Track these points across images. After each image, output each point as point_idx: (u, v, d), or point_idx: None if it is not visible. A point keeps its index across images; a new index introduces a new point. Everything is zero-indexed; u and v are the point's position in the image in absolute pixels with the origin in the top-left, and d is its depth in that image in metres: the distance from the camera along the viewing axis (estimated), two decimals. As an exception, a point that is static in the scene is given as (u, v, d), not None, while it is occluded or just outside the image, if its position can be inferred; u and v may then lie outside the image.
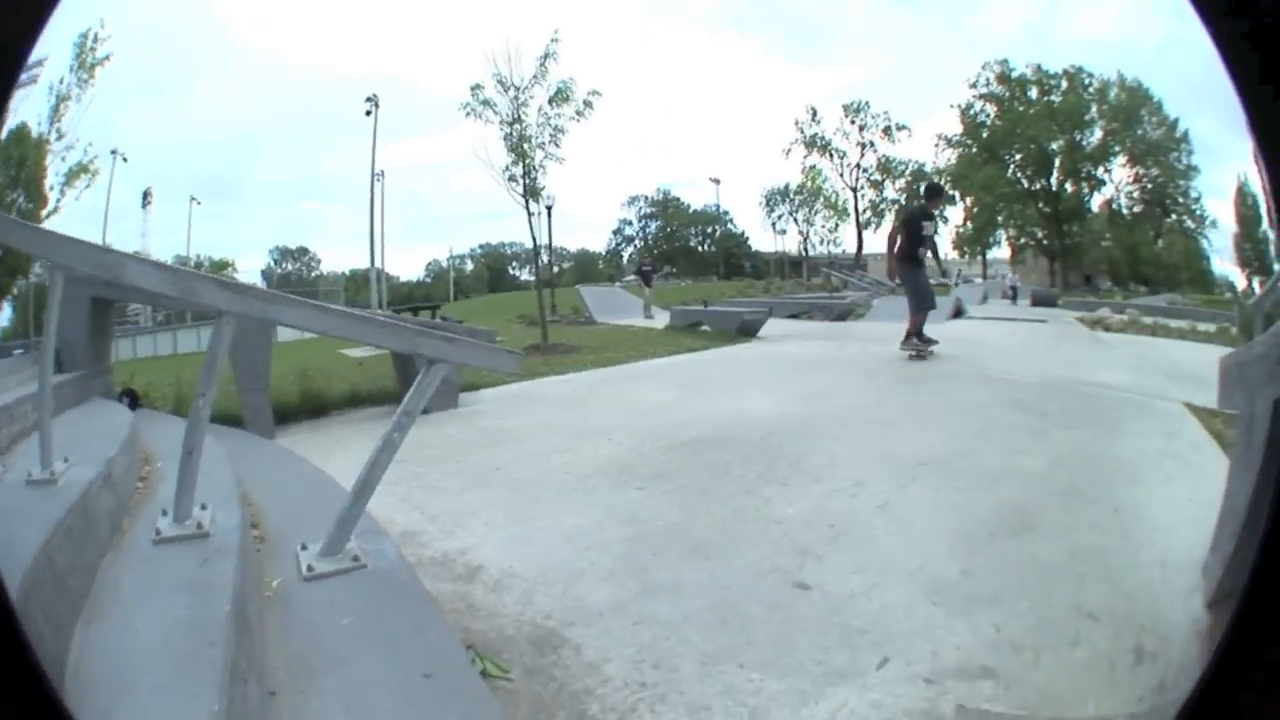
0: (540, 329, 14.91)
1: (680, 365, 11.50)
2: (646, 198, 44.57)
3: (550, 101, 14.58)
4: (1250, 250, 38.18)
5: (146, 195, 23.88)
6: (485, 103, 14.64)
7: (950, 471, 5.39)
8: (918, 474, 5.34)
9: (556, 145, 14.64)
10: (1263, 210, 36.30)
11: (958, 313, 20.08)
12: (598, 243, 47.56)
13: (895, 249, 11.11)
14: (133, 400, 7.31)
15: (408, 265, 45.04)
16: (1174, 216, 41.61)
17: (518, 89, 14.54)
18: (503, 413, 8.14)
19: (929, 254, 11.68)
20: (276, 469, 5.53)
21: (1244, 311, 17.33)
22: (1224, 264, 42.95)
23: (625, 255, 44.04)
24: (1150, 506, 4.72)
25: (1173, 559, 3.89)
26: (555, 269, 45.21)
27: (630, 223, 44.59)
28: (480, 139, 14.69)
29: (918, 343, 10.94)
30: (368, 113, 27.86)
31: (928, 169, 45.76)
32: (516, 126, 14.51)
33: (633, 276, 31.00)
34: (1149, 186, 42.01)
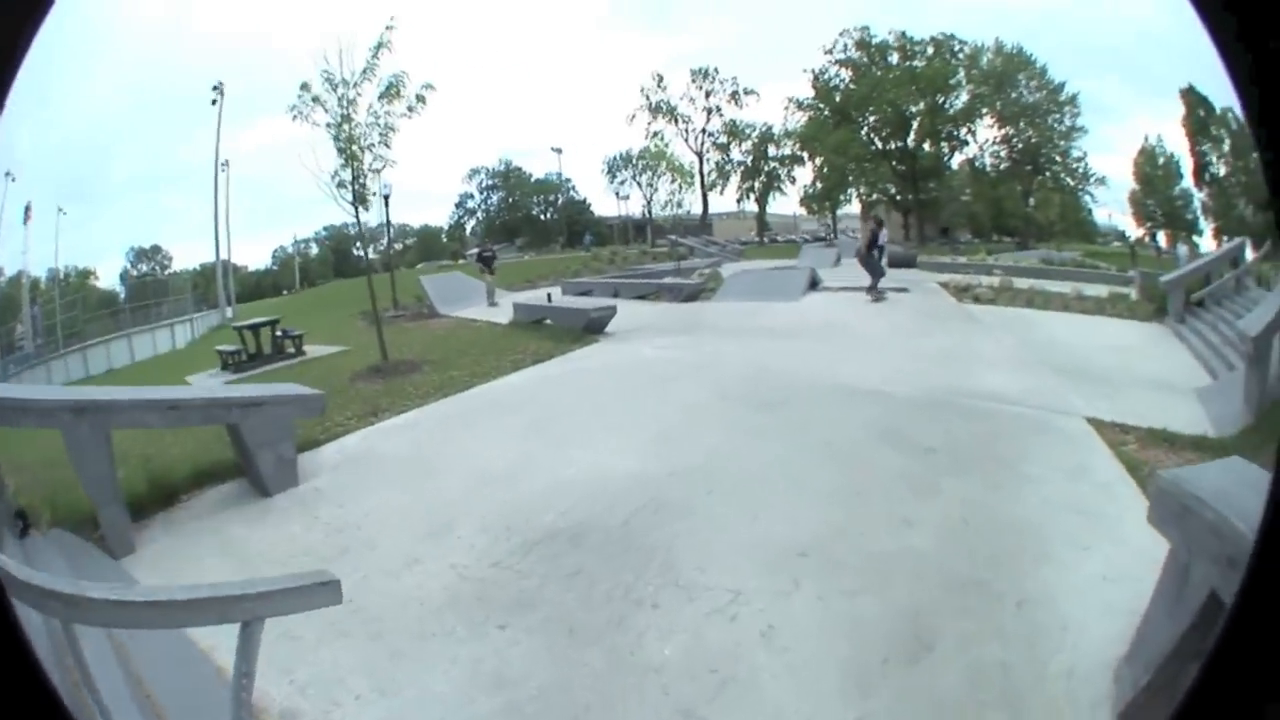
0: (380, 339, 13.72)
1: (526, 389, 10.70)
2: (488, 169, 43.85)
3: (380, 98, 13.32)
4: (1155, 206, 40.42)
5: (27, 210, 23.31)
6: (315, 100, 13.26)
7: (833, 564, 5.05)
8: (799, 572, 4.97)
9: (387, 146, 13.43)
10: (1186, 171, 38.28)
11: (812, 284, 19.86)
12: (440, 217, 46.85)
13: (864, 245, 18.87)
14: (24, 526, 6.55)
15: (257, 254, 43.86)
16: (1047, 174, 43.50)
17: (347, 85, 13.21)
18: (344, 491, 7.32)
19: (878, 248, 18.67)
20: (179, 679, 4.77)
21: (1151, 286, 16.66)
22: (1113, 215, 45.12)
23: (468, 228, 43.40)
24: (1059, 593, 4.51)
25: (1081, 665, 3.77)
26: (399, 246, 44.22)
27: (472, 195, 43.76)
28: (308, 142, 13.31)
29: (875, 294, 17.63)
30: (213, 101, 26.18)
31: (776, 131, 46.27)
32: (345, 126, 13.30)
33: (474, 251, 30.24)
34: (1019, 146, 43.68)
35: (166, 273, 33.02)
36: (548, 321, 15.86)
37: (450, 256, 40.42)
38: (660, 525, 5.76)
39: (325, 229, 45.27)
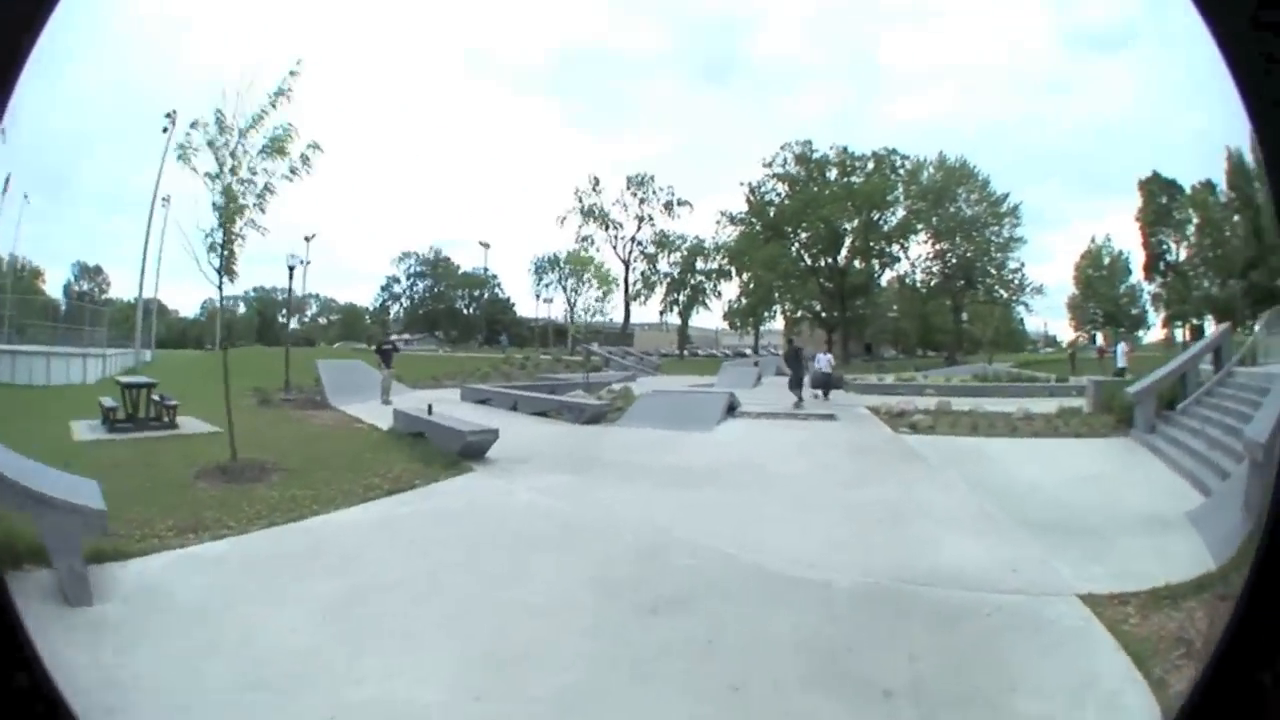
0: (230, 436, 11.83)
1: (362, 534, 8.49)
2: (418, 255, 43.20)
3: (260, 153, 11.51)
4: (1095, 308, 41.26)
5: (6, 183, 24.17)
6: (211, 143, 11.38)
7: None
8: None
9: (262, 210, 11.60)
10: (1137, 267, 39.51)
11: (730, 409, 18.30)
12: (367, 296, 47.11)
13: (789, 360, 25.10)
14: None
15: (189, 299, 43.48)
16: (979, 287, 44.02)
17: (235, 132, 11.40)
18: (120, 635, 5.53)
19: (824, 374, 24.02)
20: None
21: (1109, 395, 16.01)
22: (1048, 323, 46.08)
23: (392, 312, 42.59)
24: None
25: None
26: (323, 321, 43.44)
27: (399, 280, 42.88)
28: (191, 196, 11.68)
29: (799, 403, 21.42)
30: (164, 129, 24.47)
31: (706, 245, 46.01)
32: (222, 180, 11.40)
33: (397, 337, 29.20)
34: (953, 261, 44.16)
35: (103, 296, 33.05)
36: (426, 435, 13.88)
37: (366, 340, 39.60)
38: None
39: (255, 290, 45.63)
